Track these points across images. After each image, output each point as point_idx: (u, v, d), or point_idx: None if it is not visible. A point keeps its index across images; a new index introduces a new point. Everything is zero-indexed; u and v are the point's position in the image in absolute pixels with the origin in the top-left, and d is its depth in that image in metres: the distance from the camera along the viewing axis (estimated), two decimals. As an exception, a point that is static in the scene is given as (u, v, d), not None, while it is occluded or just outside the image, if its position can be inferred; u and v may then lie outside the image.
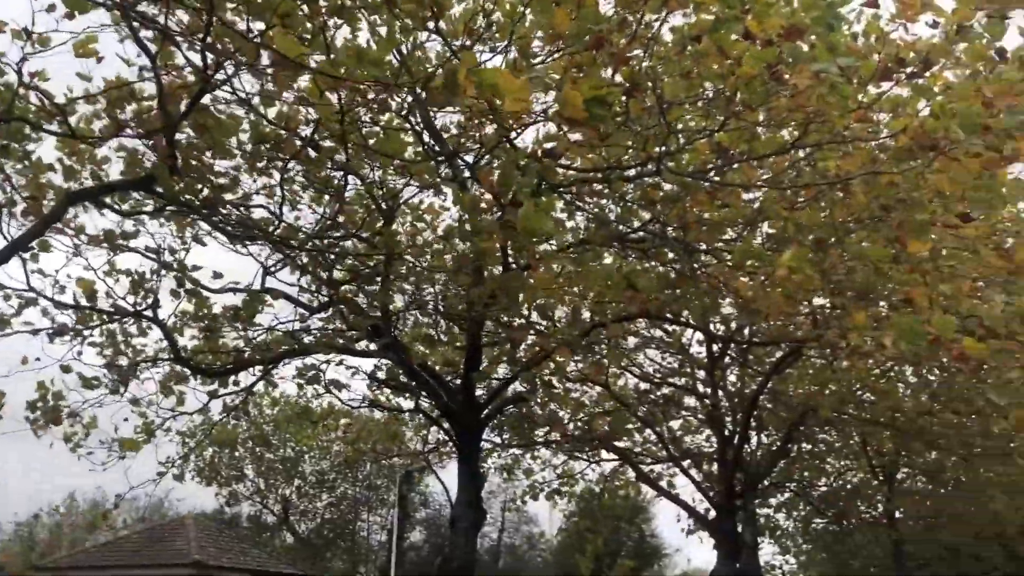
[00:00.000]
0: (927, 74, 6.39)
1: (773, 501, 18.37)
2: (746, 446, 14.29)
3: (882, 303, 8.31)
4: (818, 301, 9.80)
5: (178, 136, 6.50)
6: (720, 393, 14.12)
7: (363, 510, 36.47)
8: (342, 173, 7.84)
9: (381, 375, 9.58)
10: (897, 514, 17.59)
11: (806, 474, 17.05)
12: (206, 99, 6.46)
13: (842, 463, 18.03)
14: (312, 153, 7.81)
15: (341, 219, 8.20)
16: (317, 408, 16.97)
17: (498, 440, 15.27)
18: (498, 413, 10.94)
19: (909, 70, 6.49)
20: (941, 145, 5.61)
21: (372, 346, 8.78)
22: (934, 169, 5.88)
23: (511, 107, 3.40)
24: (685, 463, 15.07)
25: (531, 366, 9.83)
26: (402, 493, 33.38)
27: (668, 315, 9.64)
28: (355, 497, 35.91)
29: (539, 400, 12.99)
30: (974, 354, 5.85)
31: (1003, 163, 6.50)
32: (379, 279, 8.13)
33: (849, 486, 17.45)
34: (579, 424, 12.86)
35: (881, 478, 17.32)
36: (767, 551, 23.47)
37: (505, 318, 8.95)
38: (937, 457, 16.84)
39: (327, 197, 8.43)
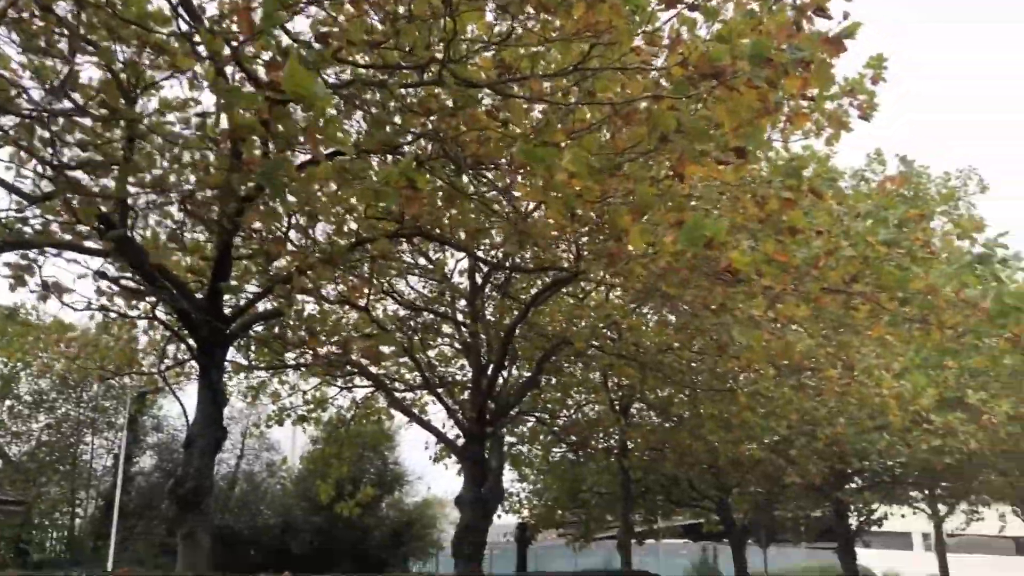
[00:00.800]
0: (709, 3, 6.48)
1: (520, 430, 18.99)
2: (500, 376, 14.49)
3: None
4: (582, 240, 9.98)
5: None
6: (479, 323, 14.16)
7: (87, 433, 33.65)
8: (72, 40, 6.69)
9: (112, 274, 8.46)
10: (629, 445, 18.78)
11: (550, 405, 17.73)
12: None
13: (583, 396, 18.89)
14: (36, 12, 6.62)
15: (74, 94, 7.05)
16: (37, 320, 15.13)
17: (244, 361, 14.44)
18: (246, 330, 10.15)
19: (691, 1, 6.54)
20: (725, 73, 5.65)
21: (102, 245, 7.69)
22: (715, 97, 5.94)
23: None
24: (440, 391, 15.04)
25: (287, 281, 9.15)
26: (133, 415, 31.13)
27: (437, 235, 9.37)
28: (78, 419, 33.05)
29: (293, 321, 12.33)
30: (738, 266, 6.06)
31: (775, 110, 6.76)
32: (116, 166, 7.09)
33: (589, 417, 18.36)
34: (335, 348, 12.34)
35: (617, 410, 18.35)
36: (506, 478, 24.38)
37: (259, 225, 8.20)
38: (668, 394, 18.12)
39: (56, 72, 7.21)
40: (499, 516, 23.64)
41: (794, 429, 18.33)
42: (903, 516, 31.60)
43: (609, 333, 13.37)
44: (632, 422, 19.09)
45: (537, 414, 17.10)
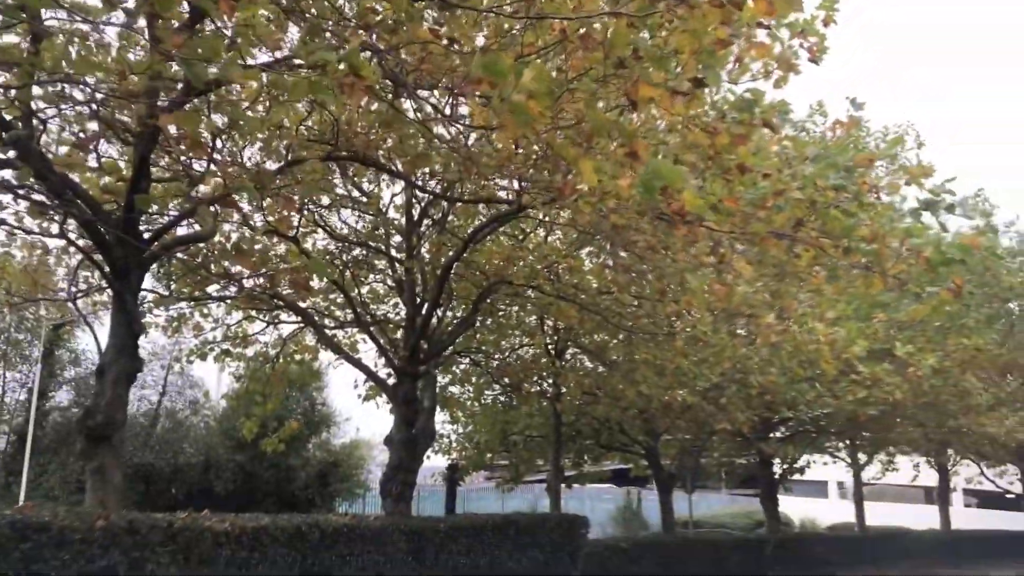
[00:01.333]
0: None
1: (453, 371, 18.62)
2: (435, 314, 14.08)
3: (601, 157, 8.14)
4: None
5: None
6: (414, 259, 13.69)
7: (-1, 366, 32.29)
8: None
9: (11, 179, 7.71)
10: (562, 389, 18.66)
11: (484, 347, 17.41)
12: None
13: (519, 340, 18.64)
14: None
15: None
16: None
17: (164, 292, 13.74)
18: (167, 252, 9.51)
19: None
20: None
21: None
22: (676, 16, 5.57)
23: None
24: (372, 328, 14.55)
25: (213, 203, 8.58)
26: (48, 349, 29.88)
27: (373, 161, 8.85)
28: (-11, 351, 31.66)
29: (216, 252, 11.71)
30: (690, 207, 5.74)
31: (731, 43, 6.43)
32: (18, 66, 6.37)
33: (524, 359, 18.11)
34: (261, 280, 11.76)
35: (552, 354, 18.15)
36: (437, 420, 24.14)
37: (179, 136, 7.54)
38: (603, 338, 17.99)
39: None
40: (428, 457, 23.45)
41: (726, 376, 18.46)
42: (824, 464, 32.55)
43: (548, 273, 13.07)
44: (566, 366, 18.94)
45: (471, 355, 16.75)
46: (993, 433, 25.75)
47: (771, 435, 26.68)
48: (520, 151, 8.41)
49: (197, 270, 11.18)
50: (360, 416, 78.45)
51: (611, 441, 23.69)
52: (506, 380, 17.90)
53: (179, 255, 10.88)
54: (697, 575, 21.17)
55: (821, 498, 60.64)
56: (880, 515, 39.40)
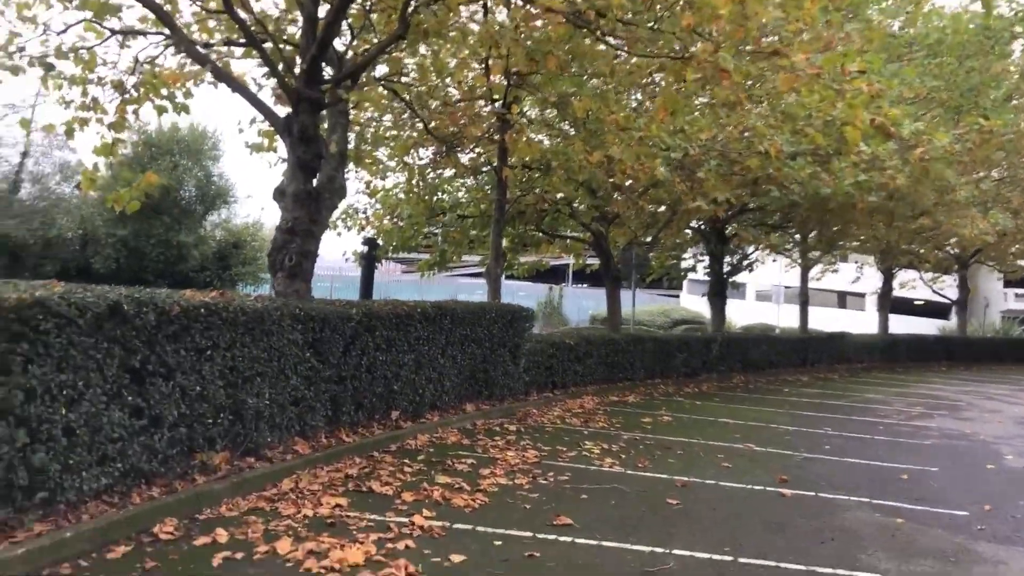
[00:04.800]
0: None
1: (373, 123, 14.35)
2: (346, 22, 9.90)
3: None
4: None
5: None
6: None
7: None
8: None
9: None
10: (510, 158, 14.84)
11: (415, 82, 13.06)
12: None
13: (462, 71, 14.34)
14: None
15: None
16: None
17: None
18: None
19: None
20: None
21: None
22: None
23: None
24: (264, 45, 10.26)
25: None
26: None
27: None
28: None
29: None
30: None
31: None
32: None
33: (468, 104, 14.04)
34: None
35: (501, 104, 14.06)
36: (351, 190, 20.26)
37: None
38: (567, 92, 14.12)
39: None
40: (339, 234, 19.71)
41: (705, 146, 15.14)
42: (774, 261, 30.36)
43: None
44: (519, 123, 14.86)
45: (394, 85, 12.28)
46: (965, 234, 23.52)
47: (728, 226, 23.94)
48: None
49: None
50: (266, 199, 73.62)
51: (556, 226, 20.36)
52: (438, 137, 13.86)
53: None
54: (644, 373, 18.78)
55: (739, 299, 60.88)
56: (793, 315, 37.83)
